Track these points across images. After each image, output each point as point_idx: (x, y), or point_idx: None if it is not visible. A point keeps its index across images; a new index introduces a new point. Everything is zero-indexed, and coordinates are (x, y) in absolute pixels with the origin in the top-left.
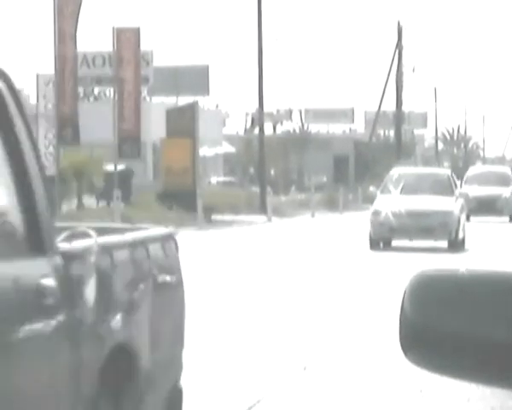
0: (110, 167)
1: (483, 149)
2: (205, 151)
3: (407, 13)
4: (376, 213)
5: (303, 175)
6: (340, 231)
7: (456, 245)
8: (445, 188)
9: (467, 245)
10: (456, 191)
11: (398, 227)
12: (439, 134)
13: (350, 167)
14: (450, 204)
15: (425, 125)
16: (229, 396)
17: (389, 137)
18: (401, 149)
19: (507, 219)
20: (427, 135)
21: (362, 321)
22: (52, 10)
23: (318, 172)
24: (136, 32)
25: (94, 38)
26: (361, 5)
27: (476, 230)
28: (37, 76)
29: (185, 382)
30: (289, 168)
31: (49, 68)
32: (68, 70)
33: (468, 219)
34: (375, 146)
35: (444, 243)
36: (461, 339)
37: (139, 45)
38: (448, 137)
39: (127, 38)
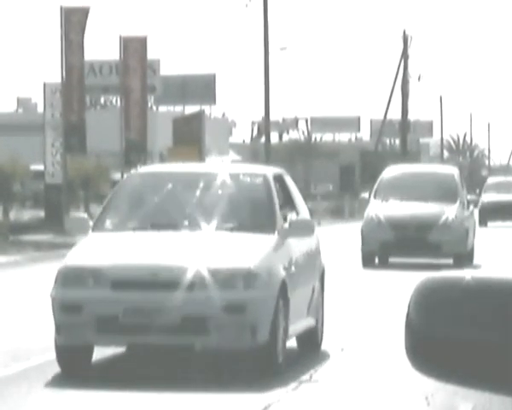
0: (117, 176)
1: (488, 158)
2: (211, 160)
3: (413, 22)
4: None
5: (309, 184)
6: (345, 240)
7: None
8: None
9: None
10: (283, 222)
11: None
12: (445, 142)
13: (356, 176)
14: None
15: (431, 133)
16: None
17: (395, 146)
18: (407, 158)
19: (450, 260)
20: (432, 143)
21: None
22: (59, 19)
23: (324, 180)
24: (143, 41)
25: (101, 47)
26: (367, 14)
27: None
28: (45, 85)
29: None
30: (295, 177)
31: (56, 77)
32: (75, 79)
33: (384, 260)
34: (380, 155)
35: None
36: (467, 345)
37: (146, 54)
38: (453, 145)
39: (134, 47)
